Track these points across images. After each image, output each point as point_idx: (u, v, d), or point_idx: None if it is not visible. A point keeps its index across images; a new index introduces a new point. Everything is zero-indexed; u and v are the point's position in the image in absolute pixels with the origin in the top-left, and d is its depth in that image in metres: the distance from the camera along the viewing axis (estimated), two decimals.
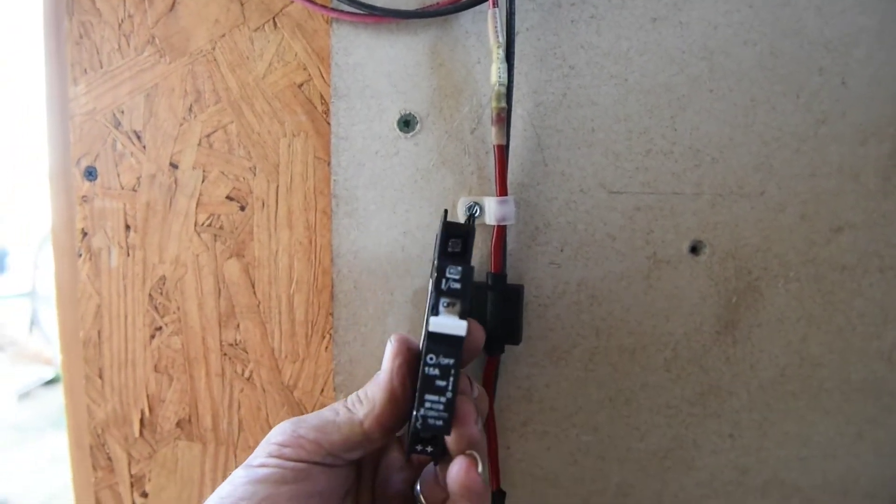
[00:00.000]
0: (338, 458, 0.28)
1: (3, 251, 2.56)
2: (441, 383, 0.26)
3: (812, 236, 0.39)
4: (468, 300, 0.27)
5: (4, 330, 2.33)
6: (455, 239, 0.30)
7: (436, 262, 0.28)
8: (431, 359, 0.26)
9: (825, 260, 0.39)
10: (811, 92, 0.39)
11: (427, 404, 0.26)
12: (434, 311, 0.26)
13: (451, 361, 0.26)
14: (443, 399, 0.26)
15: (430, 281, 0.31)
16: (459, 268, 0.27)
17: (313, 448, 0.27)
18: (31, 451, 1.74)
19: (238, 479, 0.26)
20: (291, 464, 0.27)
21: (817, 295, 0.40)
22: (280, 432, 0.28)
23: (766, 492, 0.41)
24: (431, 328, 0.26)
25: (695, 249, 0.39)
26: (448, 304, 0.26)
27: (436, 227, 0.39)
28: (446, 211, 0.33)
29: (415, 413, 0.26)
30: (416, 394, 0.26)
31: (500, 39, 0.35)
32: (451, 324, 0.26)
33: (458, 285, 0.27)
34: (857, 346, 0.40)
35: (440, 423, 0.26)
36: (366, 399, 0.29)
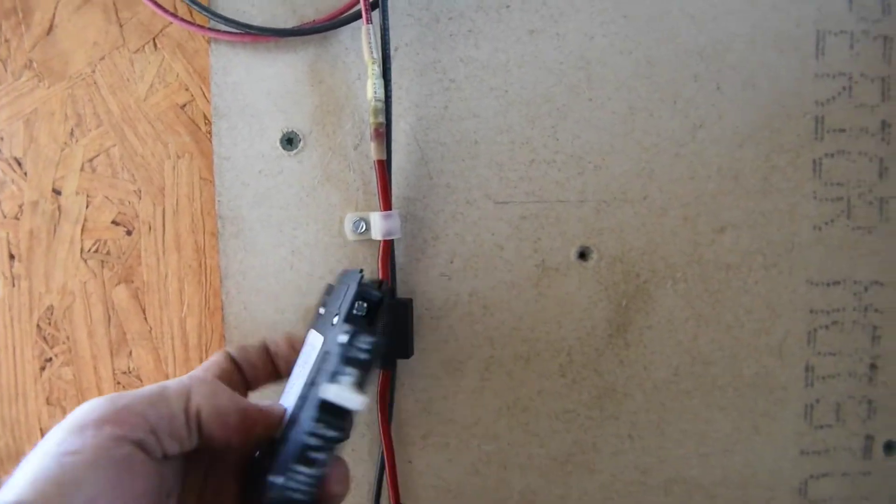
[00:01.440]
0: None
1: None
2: (318, 456, 0.23)
3: (696, 237, 0.40)
4: (371, 374, 0.25)
5: None
6: (361, 302, 0.28)
7: (340, 322, 0.26)
8: (317, 428, 0.24)
9: (710, 260, 0.41)
10: (687, 98, 0.40)
11: (293, 475, 0.23)
12: (332, 377, 0.24)
13: (338, 435, 0.24)
14: (315, 473, 0.23)
15: (315, 332, 0.29)
16: (372, 339, 0.25)
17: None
18: None
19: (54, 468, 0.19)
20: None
21: (705, 294, 0.41)
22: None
23: (669, 490, 0.42)
24: (329, 397, 0.24)
25: (583, 255, 0.40)
26: (351, 374, 0.24)
27: (325, 246, 0.39)
28: (362, 271, 0.30)
29: (270, 479, 0.23)
30: (278, 457, 0.24)
31: (375, 55, 0.36)
32: (350, 397, 0.24)
33: (366, 356, 0.24)
34: (746, 342, 0.41)
35: (306, 498, 0.23)
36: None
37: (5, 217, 0.40)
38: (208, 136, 0.39)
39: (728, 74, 0.40)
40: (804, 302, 0.42)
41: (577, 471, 0.41)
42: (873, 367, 0.42)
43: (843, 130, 0.41)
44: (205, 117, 0.39)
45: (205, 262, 0.39)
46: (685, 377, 0.41)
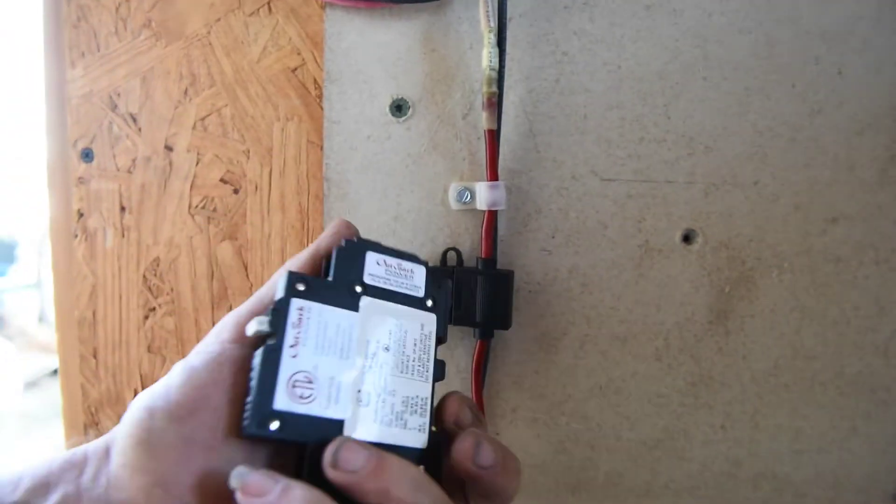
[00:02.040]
0: None
1: (12, 242, 2.58)
2: None
3: (806, 227, 0.39)
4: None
5: (13, 320, 2.35)
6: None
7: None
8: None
9: (820, 251, 0.39)
10: (807, 81, 0.38)
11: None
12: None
13: None
14: None
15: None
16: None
17: None
18: (37, 439, 1.76)
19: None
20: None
21: (811, 286, 0.39)
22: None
23: (758, 484, 0.41)
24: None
25: (687, 238, 0.39)
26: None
27: (428, 214, 0.39)
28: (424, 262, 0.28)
29: None
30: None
31: (492, 24, 0.35)
32: None
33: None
34: (851, 338, 0.40)
35: None
36: None
37: (119, 170, 0.42)
38: (318, 100, 0.39)
39: (851, 58, 0.38)
40: None
41: (665, 457, 0.40)
42: None
43: None
44: (315, 82, 0.39)
45: (307, 224, 0.40)
46: (785, 370, 0.40)
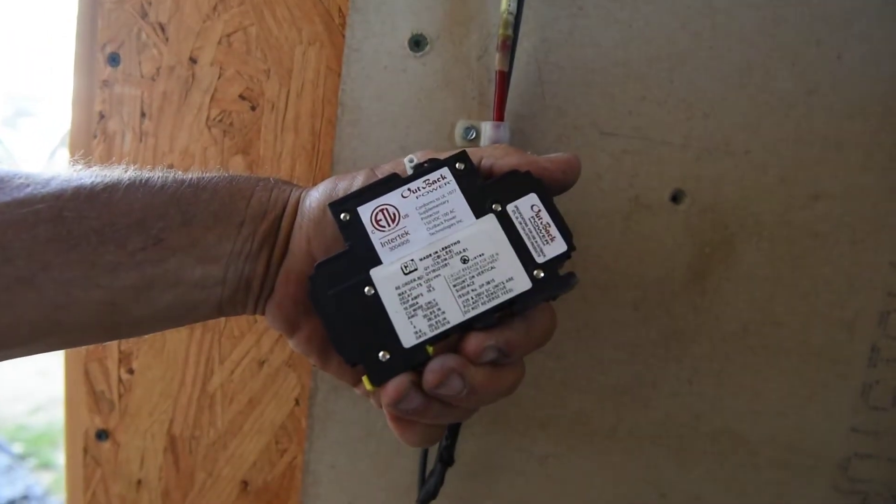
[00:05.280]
0: None
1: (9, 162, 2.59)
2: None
3: (790, 200, 0.41)
4: None
5: None
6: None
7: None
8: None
9: (800, 225, 0.41)
10: (807, 62, 0.40)
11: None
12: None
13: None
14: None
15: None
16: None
17: None
18: (19, 364, 1.79)
19: None
20: None
21: (787, 257, 0.41)
22: None
23: (716, 439, 0.43)
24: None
25: (676, 198, 0.41)
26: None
27: (433, 148, 0.40)
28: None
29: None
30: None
31: None
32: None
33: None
34: (820, 311, 0.42)
35: None
36: None
37: (143, 77, 0.43)
38: (340, 28, 0.41)
39: (851, 45, 0.40)
40: (884, 283, 0.42)
41: (633, 403, 0.43)
42: None
43: None
44: (340, 10, 0.41)
45: (318, 146, 0.42)
46: (753, 334, 0.42)
